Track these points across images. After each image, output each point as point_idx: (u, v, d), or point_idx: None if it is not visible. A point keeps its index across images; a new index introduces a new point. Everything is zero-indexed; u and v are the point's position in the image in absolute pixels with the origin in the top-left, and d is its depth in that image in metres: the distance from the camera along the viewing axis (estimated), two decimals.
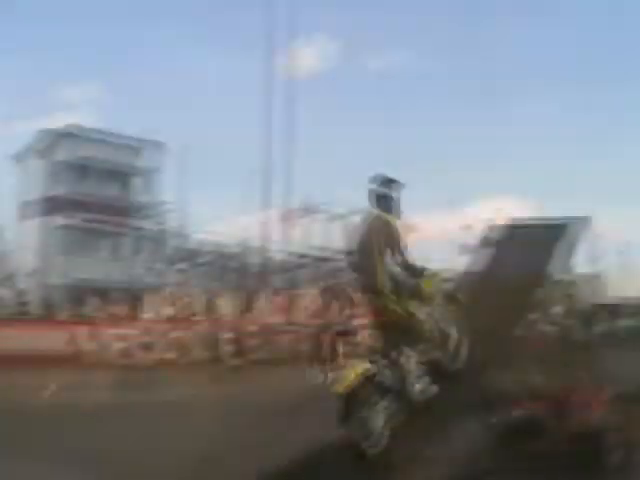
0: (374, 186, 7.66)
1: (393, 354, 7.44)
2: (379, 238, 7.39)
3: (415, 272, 7.54)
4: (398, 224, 7.57)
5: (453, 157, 60.94)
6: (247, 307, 25.47)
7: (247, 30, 53.50)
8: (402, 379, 7.40)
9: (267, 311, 26.79)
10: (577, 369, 9.26)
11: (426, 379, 7.62)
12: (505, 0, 65.08)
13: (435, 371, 7.68)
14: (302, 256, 36.63)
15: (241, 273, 32.44)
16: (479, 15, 63.63)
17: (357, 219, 33.55)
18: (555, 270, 9.60)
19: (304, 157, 57.91)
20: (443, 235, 40.91)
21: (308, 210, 37.94)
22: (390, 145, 56.58)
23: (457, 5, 63.87)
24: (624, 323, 12.30)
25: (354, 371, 7.03)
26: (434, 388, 7.62)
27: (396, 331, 7.46)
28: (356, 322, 28.18)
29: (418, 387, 7.52)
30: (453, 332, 8.01)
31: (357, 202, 38.75)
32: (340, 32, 61.21)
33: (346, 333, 27.27)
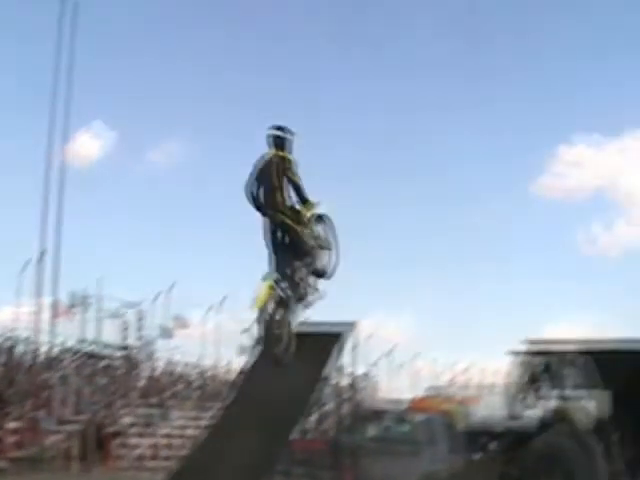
0: (272, 131, 9.38)
1: (288, 271, 9.24)
2: (277, 168, 9.11)
3: (302, 198, 9.36)
4: (291, 159, 9.28)
5: (240, 253, 60.55)
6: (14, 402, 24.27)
7: (25, 112, 51.77)
8: (297, 287, 9.35)
9: (33, 407, 25.70)
10: (347, 473, 9.54)
11: (315, 287, 9.71)
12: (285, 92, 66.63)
13: (320, 277, 9.76)
14: (73, 351, 35.38)
15: (8, 366, 30.79)
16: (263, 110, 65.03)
17: (129, 314, 32.30)
18: (326, 373, 9.85)
19: (78, 248, 56.20)
20: (224, 334, 40.97)
21: (80, 303, 36.95)
22: (166, 241, 55.85)
23: (238, 101, 64.80)
24: (392, 426, 12.85)
25: (264, 292, 8.88)
26: (323, 293, 9.81)
27: (287, 248, 9.32)
28: (128, 420, 27.64)
29: (310, 290, 9.59)
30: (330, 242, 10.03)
31: (130, 297, 38.27)
32: (120, 121, 60.26)
33: (118, 434, 26.57)
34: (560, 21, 60.88)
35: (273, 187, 9.14)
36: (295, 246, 9.31)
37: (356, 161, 57.86)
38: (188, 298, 42.25)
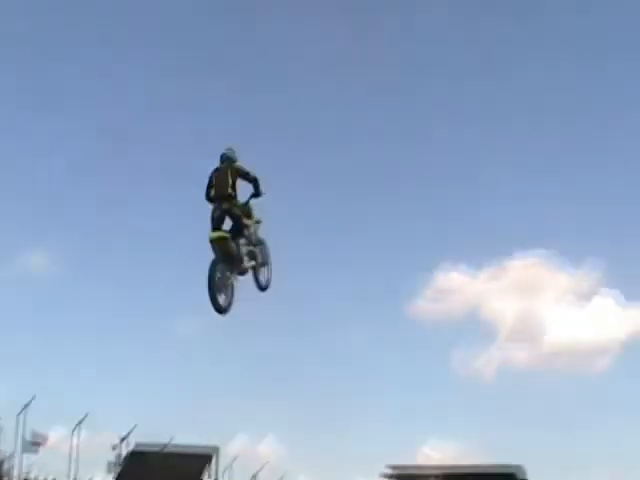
0: (224, 150, 12.51)
1: (238, 241, 12.17)
2: (229, 173, 12.20)
3: (259, 191, 12.49)
4: (241, 164, 12.37)
5: (103, 369, 58.34)
6: None
7: None
8: (240, 257, 12.27)
9: None
10: None
11: (252, 261, 12.69)
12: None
13: (254, 255, 12.78)
14: None
15: None
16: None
17: None
18: None
19: None
20: (87, 451, 39.94)
21: None
22: (29, 354, 54.14)
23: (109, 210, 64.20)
24: None
25: (219, 232, 11.91)
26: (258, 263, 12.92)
27: (232, 229, 12.11)
28: None
29: (246, 260, 12.51)
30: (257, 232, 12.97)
31: None
32: None
33: None
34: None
35: (226, 185, 12.12)
36: (239, 229, 12.27)
37: None
38: (48, 413, 41.27)
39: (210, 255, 12.00)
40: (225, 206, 12.09)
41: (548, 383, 55.77)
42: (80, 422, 39.42)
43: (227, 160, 12.46)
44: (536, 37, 68.58)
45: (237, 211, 12.21)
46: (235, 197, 12.22)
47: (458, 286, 60.37)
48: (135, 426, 39.88)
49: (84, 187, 64.38)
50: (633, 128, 64.62)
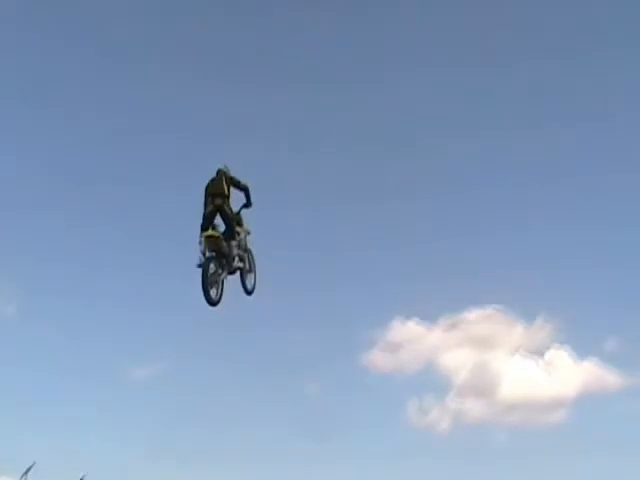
0: (220, 167, 13.35)
1: (229, 243, 12.99)
2: (224, 180, 13.15)
3: (250, 199, 13.63)
4: (233, 175, 13.38)
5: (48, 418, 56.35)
6: None
7: None
8: (232, 257, 13.09)
9: None
10: None
11: (240, 263, 13.47)
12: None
13: (242, 259, 13.57)
14: None
15: None
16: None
17: None
18: None
19: None
20: None
21: None
22: None
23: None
24: None
25: (212, 231, 12.59)
26: (242, 264, 13.65)
27: (224, 231, 12.95)
28: None
29: (236, 260, 13.34)
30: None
31: None
32: None
33: None
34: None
35: (222, 186, 12.98)
36: (231, 232, 13.08)
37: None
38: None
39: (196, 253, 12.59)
40: (218, 202, 12.80)
41: (502, 436, 55.63)
42: (27, 471, 38.08)
43: (222, 172, 13.29)
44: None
45: (229, 211, 12.95)
46: (229, 197, 13.01)
47: (413, 338, 60.25)
48: (84, 476, 38.64)
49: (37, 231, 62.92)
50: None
